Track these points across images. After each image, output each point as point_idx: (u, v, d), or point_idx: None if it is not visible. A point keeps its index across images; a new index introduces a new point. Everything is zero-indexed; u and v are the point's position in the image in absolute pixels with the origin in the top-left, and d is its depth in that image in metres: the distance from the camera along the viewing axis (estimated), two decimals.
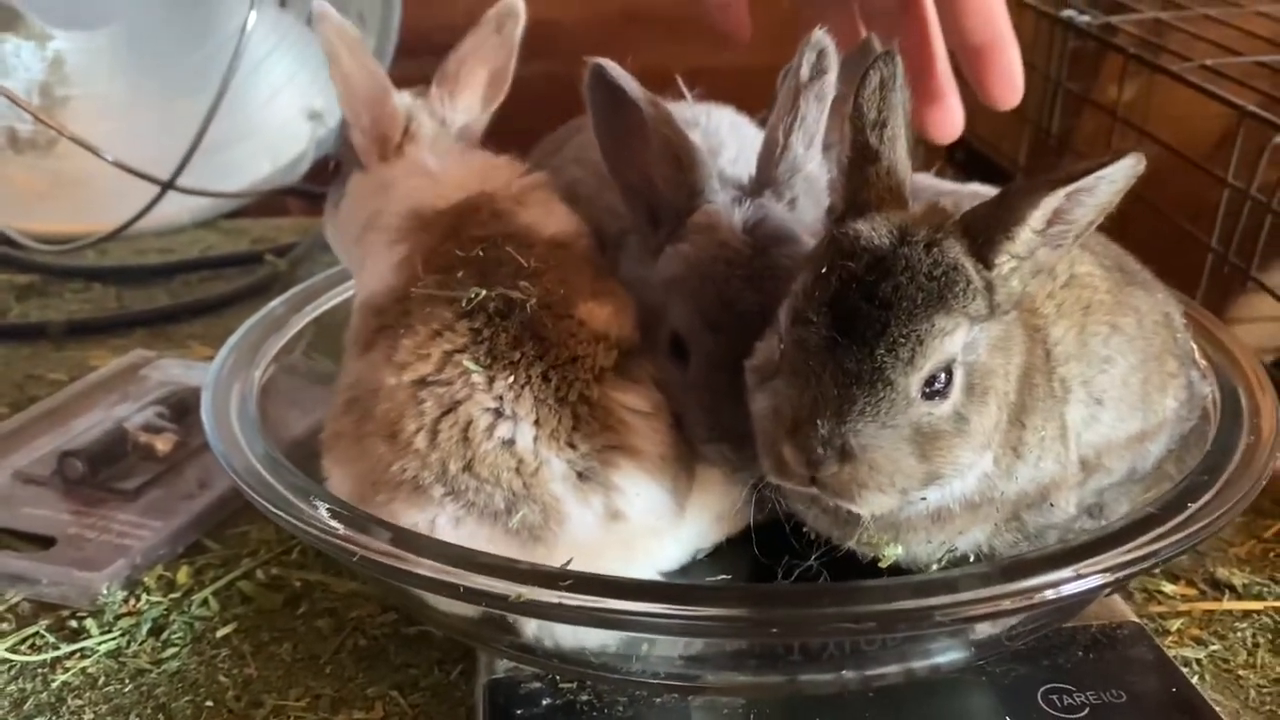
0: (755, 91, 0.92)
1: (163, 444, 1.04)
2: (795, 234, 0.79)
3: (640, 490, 0.74)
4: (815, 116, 0.80)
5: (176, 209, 1.60)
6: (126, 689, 0.81)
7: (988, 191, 0.89)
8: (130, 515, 0.97)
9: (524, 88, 0.95)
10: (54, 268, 1.52)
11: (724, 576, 0.78)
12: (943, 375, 0.64)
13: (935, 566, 0.71)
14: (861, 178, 0.68)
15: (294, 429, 0.89)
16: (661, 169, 0.80)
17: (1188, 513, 0.71)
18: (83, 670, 0.83)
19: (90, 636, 0.86)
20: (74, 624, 0.87)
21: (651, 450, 0.75)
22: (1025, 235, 0.64)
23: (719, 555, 0.80)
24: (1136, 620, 0.80)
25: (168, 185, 1.50)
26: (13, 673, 0.83)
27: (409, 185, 0.89)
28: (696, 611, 0.64)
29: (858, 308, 0.63)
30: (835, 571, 0.69)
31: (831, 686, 0.72)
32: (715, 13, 1.02)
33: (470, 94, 0.94)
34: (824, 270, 0.65)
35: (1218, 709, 0.72)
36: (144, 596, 0.90)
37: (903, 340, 0.62)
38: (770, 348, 0.69)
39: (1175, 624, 0.86)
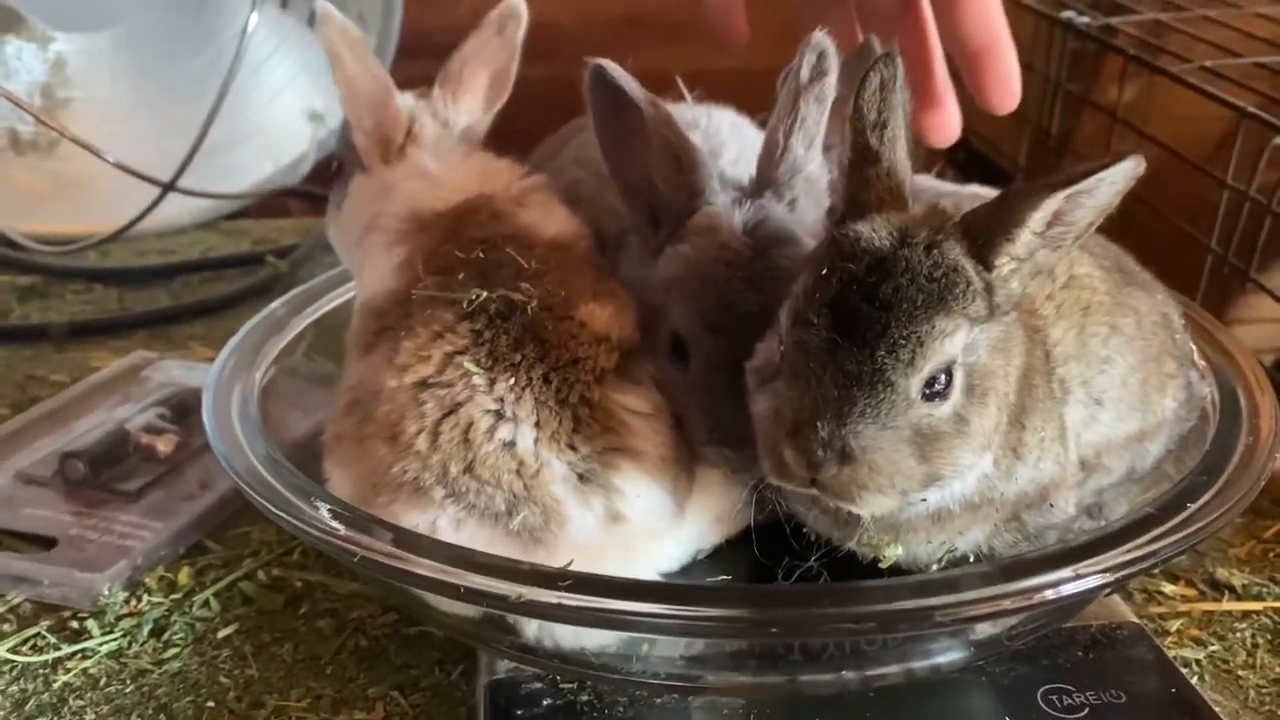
0: (755, 93, 0.92)
1: (164, 445, 1.04)
2: (795, 235, 0.79)
3: (641, 492, 0.75)
4: (815, 118, 0.80)
5: (178, 210, 1.60)
6: (128, 690, 0.81)
7: (988, 193, 0.89)
8: (131, 516, 0.97)
9: (525, 89, 0.96)
10: (55, 269, 1.52)
11: (724, 577, 0.78)
12: (943, 377, 0.64)
13: (935, 567, 0.71)
14: (862, 179, 0.68)
15: (295, 430, 0.89)
16: (662, 170, 0.81)
17: (1187, 513, 0.71)
18: (84, 671, 0.83)
19: (91, 637, 0.86)
20: (75, 625, 0.87)
21: (652, 452, 0.75)
22: (1025, 237, 0.64)
23: (719, 556, 0.80)
24: (1136, 620, 0.80)
25: (169, 187, 1.50)
26: (14, 673, 0.83)
27: (409, 187, 0.89)
28: (697, 612, 0.64)
29: (858, 309, 0.63)
30: (835, 572, 0.69)
31: (832, 687, 0.72)
32: (713, 18, 1.02)
33: (473, 96, 0.95)
34: (824, 272, 0.65)
35: (1217, 709, 0.72)
36: (145, 597, 0.90)
37: (903, 342, 0.62)
38: (770, 349, 0.70)
39: (1175, 624, 0.86)
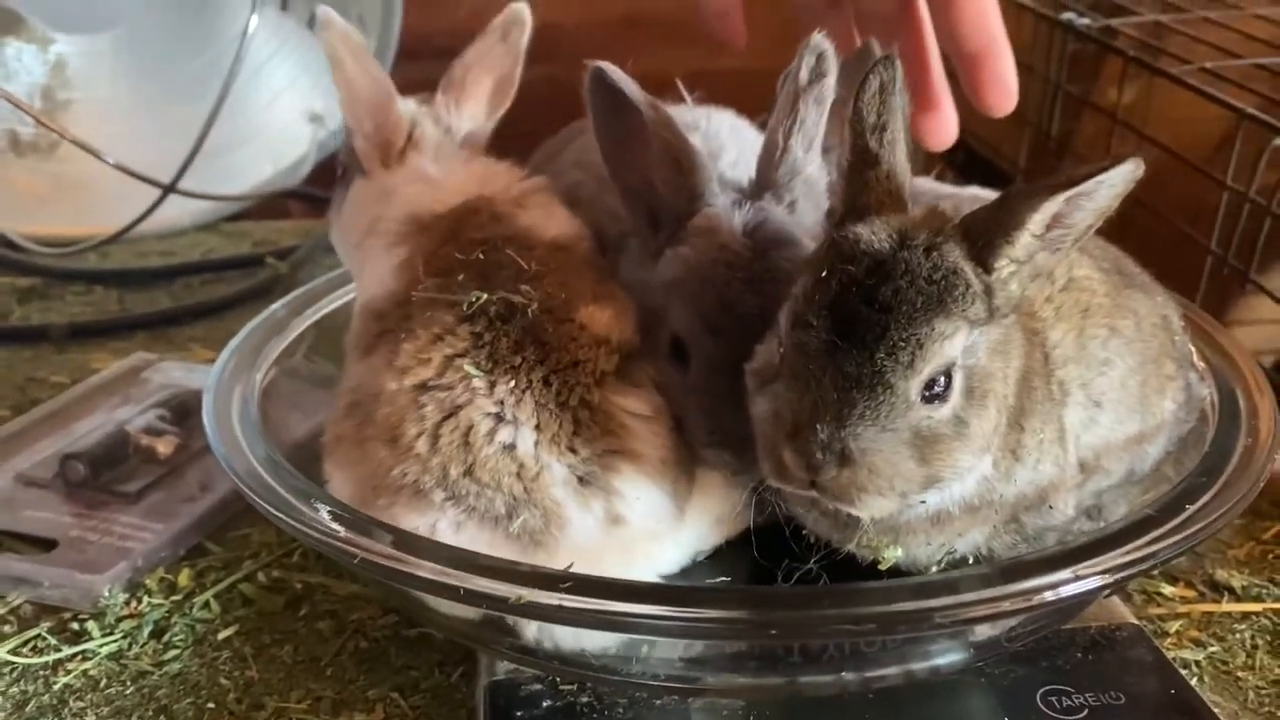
0: (755, 95, 0.92)
1: (164, 446, 1.04)
2: (795, 237, 0.79)
3: (641, 494, 0.75)
4: (815, 120, 0.80)
5: (178, 212, 1.60)
6: (128, 691, 0.81)
7: (987, 195, 0.89)
8: (132, 518, 0.97)
9: (525, 91, 0.96)
10: (55, 270, 1.52)
11: (724, 579, 0.78)
12: (942, 379, 0.64)
13: (935, 569, 0.71)
14: (861, 181, 0.68)
15: (295, 432, 0.89)
16: (662, 172, 0.81)
17: (1186, 514, 0.71)
18: (84, 672, 0.83)
19: (92, 639, 0.86)
20: (75, 626, 0.87)
21: (652, 454, 0.76)
22: (1025, 239, 0.64)
23: (719, 558, 0.80)
24: (1135, 622, 0.80)
25: (169, 188, 1.51)
26: (14, 675, 0.83)
27: (408, 191, 0.89)
28: (696, 613, 0.64)
29: (857, 311, 0.63)
30: (835, 574, 0.69)
31: (831, 688, 0.72)
32: (712, 20, 1.02)
33: (476, 101, 0.95)
34: (824, 274, 0.65)
35: (1216, 710, 0.72)
36: (145, 599, 0.90)
37: (902, 344, 0.62)
38: (770, 351, 0.70)
39: (1174, 626, 0.86)
